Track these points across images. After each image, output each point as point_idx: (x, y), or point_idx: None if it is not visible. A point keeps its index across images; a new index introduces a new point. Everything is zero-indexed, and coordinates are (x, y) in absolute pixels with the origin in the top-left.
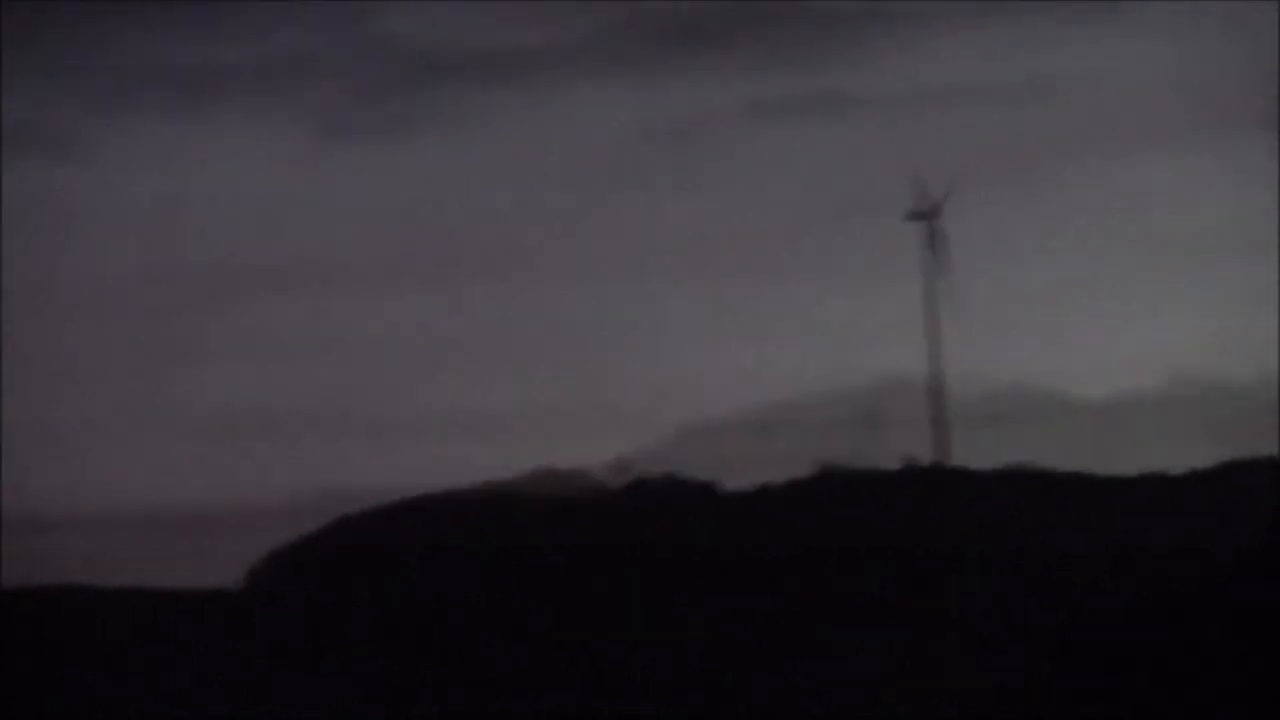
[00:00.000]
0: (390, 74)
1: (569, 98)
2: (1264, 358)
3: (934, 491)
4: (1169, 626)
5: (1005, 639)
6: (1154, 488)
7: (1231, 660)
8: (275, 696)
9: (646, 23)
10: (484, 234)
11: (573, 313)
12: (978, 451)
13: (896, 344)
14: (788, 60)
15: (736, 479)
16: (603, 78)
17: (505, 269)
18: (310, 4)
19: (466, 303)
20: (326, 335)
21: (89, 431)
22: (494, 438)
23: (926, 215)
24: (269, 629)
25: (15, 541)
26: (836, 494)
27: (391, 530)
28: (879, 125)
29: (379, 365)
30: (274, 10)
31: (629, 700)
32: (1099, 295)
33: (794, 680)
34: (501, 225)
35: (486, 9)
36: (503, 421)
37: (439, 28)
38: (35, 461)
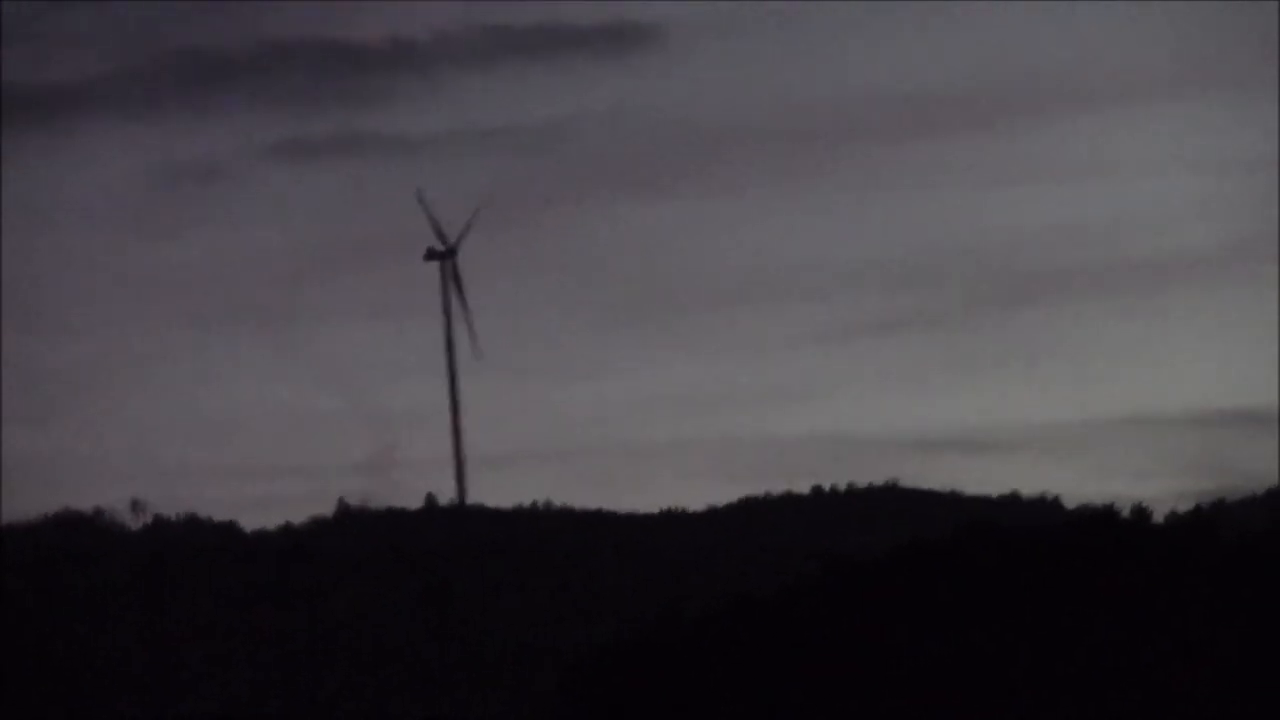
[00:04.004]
0: None
1: (91, 137)
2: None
3: (453, 528)
4: (685, 658)
5: (521, 667)
6: (674, 523)
7: (750, 689)
8: None
9: (170, 63)
10: (5, 276)
11: (90, 356)
12: (495, 489)
13: (416, 383)
14: (311, 101)
15: (258, 518)
16: (125, 117)
17: (22, 313)
18: None
19: None
20: None
21: None
22: (12, 481)
23: (444, 255)
24: None
25: None
26: (358, 531)
27: None
28: (398, 166)
29: None
30: None
31: None
32: (606, 338)
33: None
34: (21, 268)
35: (9, 47)
36: (21, 464)
37: None
38: None
